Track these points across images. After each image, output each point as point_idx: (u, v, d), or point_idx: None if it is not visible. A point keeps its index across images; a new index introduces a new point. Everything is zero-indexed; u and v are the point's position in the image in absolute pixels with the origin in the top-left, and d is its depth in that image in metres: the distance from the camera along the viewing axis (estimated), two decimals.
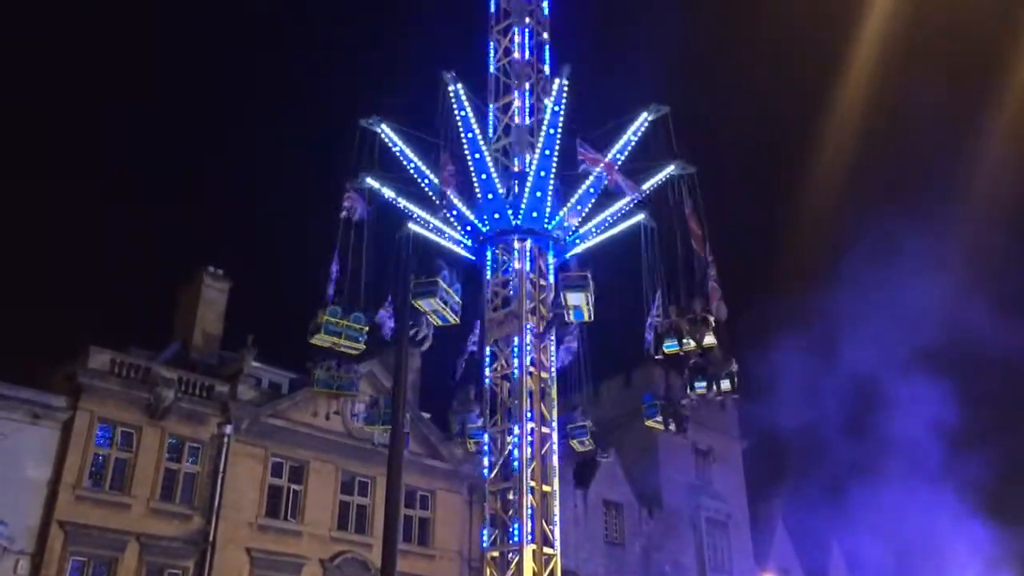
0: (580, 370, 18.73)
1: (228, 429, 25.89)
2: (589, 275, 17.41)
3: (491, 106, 19.99)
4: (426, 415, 30.87)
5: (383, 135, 19.02)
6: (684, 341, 17.30)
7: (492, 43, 20.45)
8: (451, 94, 18.49)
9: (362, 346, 17.33)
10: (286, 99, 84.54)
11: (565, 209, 18.62)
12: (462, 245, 19.36)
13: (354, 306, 17.45)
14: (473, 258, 19.31)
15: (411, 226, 19.09)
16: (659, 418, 18.39)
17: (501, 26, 20.48)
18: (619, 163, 18.70)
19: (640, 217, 19.21)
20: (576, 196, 18.63)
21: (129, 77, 75.65)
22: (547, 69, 20.37)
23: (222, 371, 27.71)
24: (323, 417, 23.57)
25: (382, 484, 23.18)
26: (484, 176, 18.49)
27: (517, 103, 19.67)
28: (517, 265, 18.58)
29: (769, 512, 41.57)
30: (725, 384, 17.68)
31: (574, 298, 17.20)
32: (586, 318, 17.94)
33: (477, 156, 18.47)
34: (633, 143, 18.81)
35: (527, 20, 20.28)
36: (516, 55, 20.11)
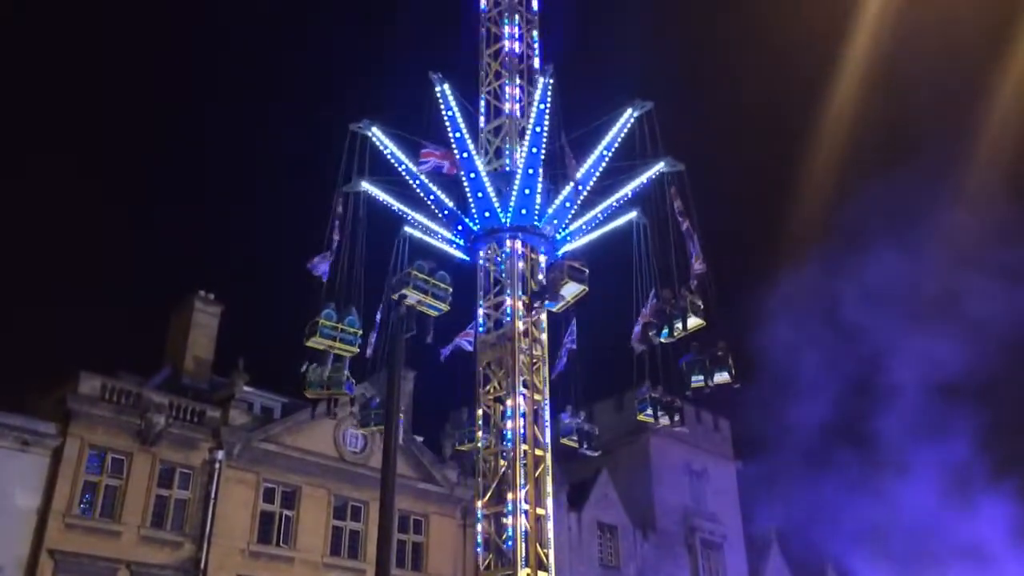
0: (658, 350, 18.20)
1: (219, 455, 25.70)
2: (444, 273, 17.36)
3: (482, 108, 20.26)
4: (419, 438, 30.75)
5: (374, 138, 19.17)
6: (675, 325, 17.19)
7: (483, 42, 20.77)
8: (438, 95, 18.80)
9: (356, 349, 17.31)
10: (279, 122, 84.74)
11: (554, 207, 18.81)
12: (455, 245, 19.53)
13: (347, 309, 17.43)
14: (468, 258, 19.51)
15: (407, 229, 19.47)
16: (649, 411, 18.29)
17: (493, 12, 20.80)
18: (606, 160, 19.04)
19: (632, 215, 19.40)
20: (561, 196, 18.79)
21: (124, 92, 75.82)
22: (537, 62, 20.72)
23: (214, 396, 27.56)
24: (328, 444, 23.29)
25: (375, 509, 23.07)
26: (473, 175, 18.82)
27: (508, 106, 19.98)
28: (515, 268, 18.78)
29: (764, 533, 41.40)
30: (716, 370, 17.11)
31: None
32: (445, 308, 17.70)
33: (465, 155, 18.80)
34: (619, 140, 19.06)
35: (517, 19, 20.65)
36: (507, 46, 20.46)
